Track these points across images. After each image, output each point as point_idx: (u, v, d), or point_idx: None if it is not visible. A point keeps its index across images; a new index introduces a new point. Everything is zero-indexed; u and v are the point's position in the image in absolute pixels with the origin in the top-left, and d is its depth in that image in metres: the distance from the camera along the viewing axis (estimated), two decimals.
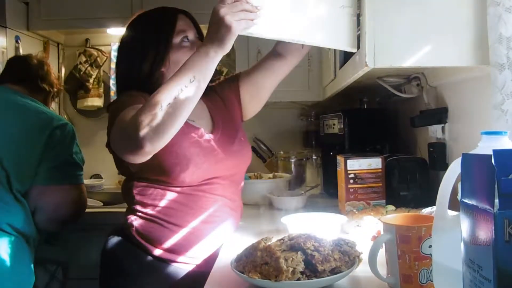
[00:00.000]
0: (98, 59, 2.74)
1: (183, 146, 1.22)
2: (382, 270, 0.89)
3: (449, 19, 1.13)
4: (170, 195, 1.25)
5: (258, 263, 0.91)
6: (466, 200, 0.63)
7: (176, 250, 1.25)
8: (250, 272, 0.90)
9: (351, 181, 1.54)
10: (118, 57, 1.38)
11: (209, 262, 1.20)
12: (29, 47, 2.46)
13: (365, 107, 2.17)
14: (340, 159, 1.59)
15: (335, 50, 1.71)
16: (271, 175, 2.15)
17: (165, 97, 0.99)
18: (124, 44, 1.36)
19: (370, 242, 1.14)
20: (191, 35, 1.30)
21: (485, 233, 0.57)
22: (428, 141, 1.62)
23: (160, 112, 0.97)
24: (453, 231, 0.69)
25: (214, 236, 1.29)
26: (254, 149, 2.56)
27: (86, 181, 2.64)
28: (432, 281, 0.80)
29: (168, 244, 1.25)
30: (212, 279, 1.01)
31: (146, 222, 1.26)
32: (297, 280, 0.87)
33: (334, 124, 2.00)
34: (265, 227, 1.49)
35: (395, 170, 1.59)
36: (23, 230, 1.53)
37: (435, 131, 1.58)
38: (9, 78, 1.74)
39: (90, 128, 2.83)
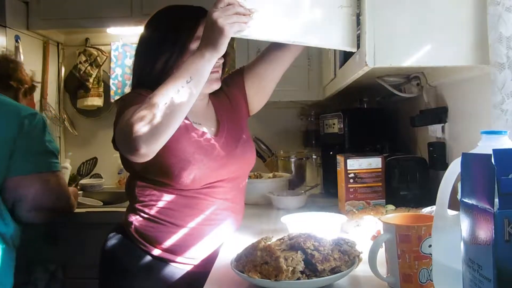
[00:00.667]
0: (98, 58, 2.74)
1: (187, 150, 1.21)
2: (382, 269, 0.89)
3: (449, 18, 1.13)
4: (171, 197, 1.25)
5: (258, 263, 0.91)
6: (466, 200, 0.63)
7: (175, 250, 1.25)
8: (250, 271, 0.90)
9: (351, 180, 1.55)
10: (135, 52, 1.36)
11: (208, 262, 1.19)
12: (29, 46, 2.46)
13: (365, 106, 2.17)
14: (340, 158, 1.59)
15: (335, 49, 1.71)
16: (271, 174, 2.15)
17: (162, 98, 1.00)
18: (143, 39, 1.34)
19: (370, 241, 1.14)
20: None
21: (485, 232, 0.57)
22: (428, 140, 1.62)
23: (157, 112, 0.98)
24: (453, 231, 0.69)
25: (213, 237, 1.28)
26: None
27: (86, 181, 2.65)
28: (432, 281, 0.80)
29: (167, 244, 1.25)
30: (212, 279, 1.01)
31: (146, 221, 1.27)
32: (297, 280, 0.87)
33: (334, 124, 2.00)
34: (265, 227, 1.50)
35: (395, 169, 1.59)
36: None
37: (435, 130, 1.58)
38: None
39: (90, 127, 2.83)
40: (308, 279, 0.88)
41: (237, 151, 1.34)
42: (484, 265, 0.58)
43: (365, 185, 1.55)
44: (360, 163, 1.55)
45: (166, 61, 1.24)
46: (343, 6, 1.19)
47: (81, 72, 2.74)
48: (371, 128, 1.94)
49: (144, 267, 1.24)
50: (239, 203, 1.40)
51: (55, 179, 1.60)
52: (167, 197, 1.25)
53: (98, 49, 2.76)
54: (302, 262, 0.89)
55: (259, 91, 1.47)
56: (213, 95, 1.39)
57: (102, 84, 2.78)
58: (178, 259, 1.25)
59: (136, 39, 2.72)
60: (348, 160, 1.54)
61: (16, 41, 2.33)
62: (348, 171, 1.54)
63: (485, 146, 0.64)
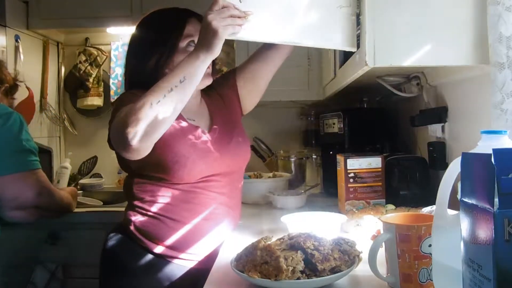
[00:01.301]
0: (98, 58, 2.74)
1: (181, 144, 1.24)
2: (382, 269, 0.89)
3: (449, 18, 1.13)
4: (169, 192, 1.27)
5: (258, 262, 0.91)
6: (466, 199, 0.63)
7: (176, 247, 1.26)
8: (250, 271, 0.90)
9: (351, 180, 1.55)
10: (126, 54, 1.40)
11: (209, 259, 1.21)
12: (29, 46, 2.46)
13: (365, 106, 2.17)
14: (340, 158, 1.59)
15: (334, 49, 1.71)
16: (271, 174, 2.15)
17: (155, 96, 1.02)
18: (133, 41, 1.37)
19: (370, 241, 1.14)
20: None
21: (485, 232, 0.57)
22: (428, 140, 1.62)
23: (149, 110, 1.00)
24: (453, 230, 0.69)
25: (213, 233, 1.30)
26: (254, 148, 2.56)
27: (86, 180, 2.65)
28: (432, 280, 0.80)
29: (168, 241, 1.26)
30: (212, 278, 1.01)
31: (146, 218, 1.28)
32: (297, 279, 0.87)
33: (334, 124, 2.00)
34: (265, 226, 1.50)
35: (395, 169, 1.59)
36: None
37: (435, 130, 1.58)
38: None
39: (90, 127, 2.83)
40: (308, 278, 0.88)
41: (230, 146, 1.36)
42: (484, 265, 0.58)
43: (365, 184, 1.55)
44: (360, 163, 1.55)
45: (158, 60, 1.28)
46: (342, 6, 1.19)
47: (81, 71, 2.74)
48: (371, 128, 1.94)
49: (146, 266, 1.25)
50: (236, 198, 1.41)
51: (35, 177, 1.58)
52: (164, 193, 1.27)
53: (98, 48, 2.76)
54: (302, 262, 0.89)
55: (252, 91, 1.50)
56: (205, 94, 1.43)
57: (102, 83, 2.78)
58: (181, 255, 1.26)
59: None
60: (348, 160, 1.54)
61: (16, 40, 2.33)
62: (348, 171, 1.54)
63: (485, 145, 0.64)
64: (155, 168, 1.24)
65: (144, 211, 1.28)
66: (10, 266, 2.00)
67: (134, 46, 1.36)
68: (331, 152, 1.96)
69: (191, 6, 2.25)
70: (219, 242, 1.30)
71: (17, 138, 1.56)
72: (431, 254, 0.80)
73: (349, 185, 1.54)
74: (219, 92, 1.48)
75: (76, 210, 1.92)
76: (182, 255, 1.26)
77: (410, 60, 1.14)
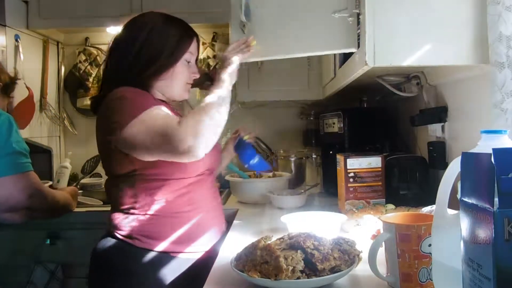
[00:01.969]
0: (98, 58, 2.74)
1: None
2: (382, 269, 0.89)
3: (449, 17, 1.13)
4: (168, 190, 1.28)
5: (258, 262, 0.91)
6: (465, 199, 0.63)
7: (180, 241, 1.28)
8: (250, 271, 0.90)
9: (351, 180, 1.55)
10: (123, 46, 1.37)
11: (213, 250, 1.30)
12: (29, 45, 2.46)
13: (365, 106, 2.17)
14: (339, 158, 1.59)
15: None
16: (270, 174, 2.15)
17: (211, 113, 1.18)
18: (139, 38, 1.34)
19: (369, 241, 1.14)
20: (193, 58, 1.43)
21: (485, 232, 0.57)
22: (428, 140, 1.62)
23: (210, 123, 1.15)
24: (453, 230, 0.69)
25: (213, 224, 1.35)
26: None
27: (86, 180, 2.65)
28: (431, 280, 0.80)
29: (171, 237, 1.27)
30: (212, 278, 1.01)
31: (146, 219, 1.28)
32: (296, 279, 0.87)
33: (333, 123, 2.00)
34: (264, 226, 1.50)
35: (394, 169, 1.59)
36: None
37: (434, 130, 1.58)
38: None
39: (90, 127, 2.82)
40: (308, 278, 0.88)
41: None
42: (484, 264, 0.58)
43: (365, 184, 1.55)
44: (360, 163, 1.55)
45: (160, 67, 1.32)
46: (337, 11, 1.21)
47: (81, 71, 2.74)
48: (371, 128, 1.94)
49: (148, 264, 1.25)
50: (218, 197, 1.47)
51: (26, 179, 1.55)
52: (164, 191, 1.28)
53: (98, 48, 2.76)
54: (302, 262, 0.89)
55: None
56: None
57: None
58: (187, 249, 1.28)
59: None
60: (348, 160, 1.54)
61: (16, 40, 2.32)
62: (348, 171, 1.54)
63: (485, 145, 0.64)
64: (163, 165, 1.24)
65: (143, 212, 1.28)
66: (9, 266, 2.00)
67: (141, 42, 1.33)
68: (331, 152, 1.95)
69: (191, 5, 2.25)
70: (220, 233, 1.36)
71: (7, 140, 1.54)
72: (431, 253, 0.80)
73: (349, 185, 1.54)
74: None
75: (76, 210, 1.92)
76: (188, 249, 1.28)
77: (410, 60, 1.14)
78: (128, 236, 1.27)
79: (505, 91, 1.03)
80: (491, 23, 1.06)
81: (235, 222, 1.60)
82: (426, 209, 1.19)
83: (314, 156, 2.31)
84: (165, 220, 1.27)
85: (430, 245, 0.82)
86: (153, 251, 1.26)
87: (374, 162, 1.55)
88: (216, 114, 1.19)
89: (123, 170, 1.28)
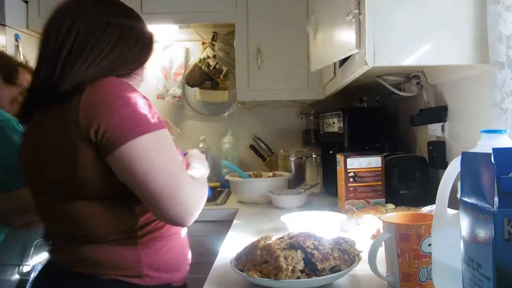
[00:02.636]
0: None
1: None
2: (382, 268, 0.89)
3: (449, 17, 1.13)
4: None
5: (257, 262, 0.91)
6: (465, 199, 0.63)
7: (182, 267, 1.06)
8: (250, 270, 0.90)
9: (351, 179, 1.55)
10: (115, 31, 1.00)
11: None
12: (29, 45, 2.45)
13: (365, 105, 2.17)
14: (339, 157, 1.59)
15: None
16: (270, 173, 2.15)
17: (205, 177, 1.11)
18: (130, 28, 1.04)
19: (369, 240, 1.14)
20: None
21: (485, 231, 0.57)
22: (428, 139, 1.62)
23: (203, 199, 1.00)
24: (453, 230, 0.69)
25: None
26: (253, 148, 2.57)
27: None
28: (431, 280, 0.80)
29: (185, 265, 1.06)
30: (212, 278, 1.01)
31: (157, 249, 0.99)
32: (296, 279, 0.87)
33: (333, 123, 2.00)
34: (264, 226, 1.50)
35: (394, 168, 1.59)
36: None
37: (434, 129, 1.58)
38: None
39: None
40: (308, 278, 0.88)
41: None
42: (484, 264, 0.58)
43: (365, 184, 1.55)
44: (360, 162, 1.55)
45: (143, 62, 1.08)
46: (350, 13, 1.20)
47: None
48: (371, 127, 1.94)
49: None
50: None
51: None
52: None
53: None
54: (302, 261, 0.89)
55: None
56: None
57: None
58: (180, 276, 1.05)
59: None
60: (348, 159, 1.54)
61: (16, 40, 2.32)
62: (348, 170, 1.54)
63: (485, 145, 0.64)
64: None
65: (154, 242, 0.98)
66: (8, 266, 2.00)
67: (130, 32, 1.03)
68: (331, 152, 1.96)
69: (191, 5, 2.25)
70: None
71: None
72: (430, 253, 0.80)
73: (349, 185, 1.54)
74: None
75: None
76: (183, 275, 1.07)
77: (410, 60, 1.14)
78: (137, 275, 0.95)
79: (505, 90, 1.03)
80: (491, 23, 1.06)
81: (235, 222, 1.60)
82: (426, 209, 1.19)
83: (314, 155, 2.32)
84: (167, 241, 1.00)
85: (430, 245, 0.82)
86: (172, 286, 1.02)
87: (374, 161, 1.55)
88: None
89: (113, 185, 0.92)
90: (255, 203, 1.93)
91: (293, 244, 0.94)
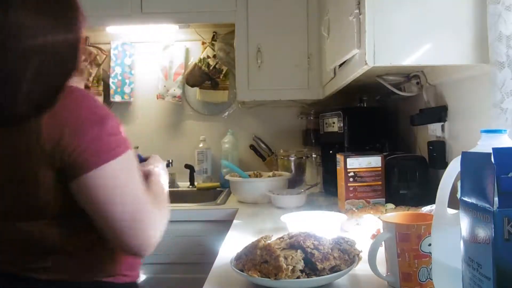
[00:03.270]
0: (98, 57, 2.74)
1: None
2: (382, 268, 0.89)
3: (449, 17, 1.13)
4: None
5: (257, 262, 0.91)
6: (465, 198, 0.63)
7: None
8: (250, 270, 0.90)
9: (351, 179, 1.55)
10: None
11: None
12: None
13: (365, 105, 2.17)
14: (339, 157, 1.59)
15: None
16: (270, 173, 2.15)
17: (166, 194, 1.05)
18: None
19: (369, 240, 1.14)
20: None
21: (485, 231, 0.57)
22: (428, 139, 1.62)
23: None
24: (453, 230, 0.69)
25: None
26: (253, 148, 2.57)
27: None
28: (431, 279, 0.80)
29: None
30: (212, 278, 1.01)
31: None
32: (296, 279, 0.87)
33: (333, 123, 2.00)
34: (264, 226, 1.50)
35: (394, 168, 1.59)
36: None
37: (434, 129, 1.58)
38: None
39: None
40: (307, 278, 0.88)
41: None
42: (484, 264, 0.58)
43: (364, 184, 1.55)
44: (359, 162, 1.55)
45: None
46: (352, 14, 1.20)
47: None
48: (371, 127, 1.94)
49: None
50: None
51: None
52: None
53: (97, 47, 2.76)
54: (302, 261, 0.89)
55: None
56: None
57: (102, 83, 2.77)
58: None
59: (136, 38, 2.71)
60: (347, 159, 1.54)
61: None
62: (348, 170, 1.54)
63: (485, 144, 0.65)
64: None
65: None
66: None
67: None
68: (331, 151, 1.95)
69: (191, 5, 2.25)
70: None
71: None
72: (430, 253, 0.80)
73: (349, 184, 1.54)
74: None
75: None
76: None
77: (410, 59, 1.14)
78: (112, 275, 0.96)
79: (505, 90, 1.03)
80: (491, 23, 1.06)
81: (235, 221, 1.60)
82: (426, 209, 1.19)
83: (314, 155, 2.31)
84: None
85: (430, 245, 0.82)
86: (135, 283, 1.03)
87: (374, 161, 1.55)
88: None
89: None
90: (255, 203, 1.93)
91: (293, 244, 0.94)
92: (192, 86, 2.60)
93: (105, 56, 2.75)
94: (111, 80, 2.76)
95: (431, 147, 1.57)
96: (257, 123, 2.63)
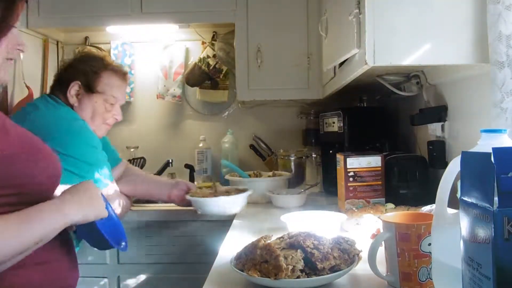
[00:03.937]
0: None
1: None
2: (382, 268, 0.89)
3: (448, 17, 1.13)
4: None
5: (257, 261, 0.91)
6: (465, 198, 0.63)
7: None
8: (250, 270, 0.90)
9: (351, 179, 1.55)
10: None
11: None
12: (28, 45, 2.45)
13: (365, 105, 2.17)
14: (339, 157, 1.59)
15: None
16: (270, 173, 2.15)
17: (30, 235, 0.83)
18: None
19: (369, 240, 1.14)
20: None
21: (485, 231, 0.57)
22: (428, 139, 1.62)
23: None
24: (453, 229, 0.69)
25: None
26: (253, 148, 2.57)
27: None
28: (431, 279, 0.80)
29: None
30: (212, 277, 1.01)
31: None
32: (296, 278, 0.87)
33: (333, 123, 2.00)
34: (264, 225, 1.50)
35: (394, 168, 1.59)
36: None
37: (434, 129, 1.58)
38: None
39: None
40: (307, 277, 0.88)
41: None
42: (484, 263, 0.58)
43: (364, 183, 1.55)
44: (359, 162, 1.55)
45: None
46: (351, 14, 1.20)
47: None
48: (371, 127, 1.94)
49: None
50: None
51: None
52: None
53: (97, 47, 2.75)
54: (302, 261, 0.89)
55: None
56: None
57: None
58: None
59: (136, 38, 2.71)
60: (347, 159, 1.54)
61: None
62: (348, 170, 1.54)
63: (485, 144, 0.65)
64: None
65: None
66: None
67: None
68: (330, 151, 1.95)
69: (191, 5, 2.25)
70: None
71: None
72: (430, 253, 0.80)
73: (349, 184, 1.54)
74: None
75: None
76: None
77: (410, 59, 1.14)
78: None
79: (504, 90, 1.03)
80: (491, 23, 1.06)
81: (235, 221, 1.60)
82: (425, 208, 1.19)
83: (314, 155, 2.31)
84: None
85: (429, 244, 0.82)
86: None
87: (374, 161, 1.55)
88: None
89: None
90: (255, 202, 1.93)
91: (293, 244, 0.94)
92: (192, 86, 2.60)
93: None
94: None
95: (431, 147, 1.57)
96: (257, 123, 2.63)
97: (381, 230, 0.92)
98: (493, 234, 0.55)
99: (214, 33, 2.57)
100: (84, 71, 1.54)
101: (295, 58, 2.23)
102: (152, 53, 2.64)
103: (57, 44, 2.77)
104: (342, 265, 0.91)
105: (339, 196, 1.63)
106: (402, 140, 1.99)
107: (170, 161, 2.52)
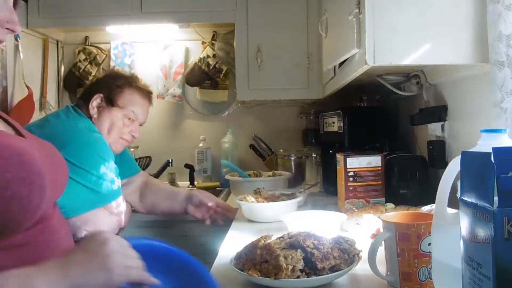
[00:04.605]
0: (98, 57, 2.74)
1: None
2: (382, 268, 0.89)
3: (448, 17, 1.13)
4: None
5: (257, 261, 0.91)
6: (465, 198, 0.63)
7: None
8: (250, 270, 0.90)
9: (351, 179, 1.55)
10: None
11: None
12: (28, 45, 2.45)
13: (365, 105, 2.17)
14: (339, 157, 1.59)
15: None
16: (270, 173, 2.15)
17: None
18: None
19: (369, 240, 1.14)
20: None
21: (485, 230, 0.57)
22: (428, 139, 1.62)
23: None
24: (453, 229, 0.69)
25: None
26: (253, 147, 2.57)
27: None
28: (431, 279, 0.80)
29: None
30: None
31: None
32: (296, 278, 0.87)
33: (333, 122, 2.00)
34: (264, 225, 1.50)
35: (394, 168, 1.59)
36: None
37: (434, 129, 1.58)
38: None
39: None
40: (307, 277, 0.88)
41: None
42: (484, 263, 0.58)
43: (364, 183, 1.55)
44: (359, 162, 1.55)
45: None
46: (351, 13, 1.20)
47: (81, 70, 2.73)
48: (371, 127, 1.94)
49: None
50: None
51: None
52: None
53: (97, 47, 2.76)
54: (302, 261, 0.89)
55: None
56: None
57: None
58: None
59: (136, 38, 2.71)
60: (347, 159, 1.54)
61: (16, 39, 2.32)
62: (348, 170, 1.54)
63: (485, 144, 0.65)
64: None
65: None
66: None
67: None
68: (330, 151, 1.95)
69: (191, 5, 2.25)
70: None
71: None
72: (430, 252, 0.80)
73: (349, 184, 1.54)
74: None
75: None
76: None
77: (410, 59, 1.14)
78: None
79: (504, 90, 1.03)
80: (491, 22, 1.06)
81: (235, 221, 1.60)
82: (425, 208, 1.19)
83: (314, 155, 2.31)
84: None
85: (429, 244, 0.82)
86: None
87: (374, 161, 1.55)
88: None
89: None
90: None
91: (293, 244, 0.94)
92: (192, 85, 2.60)
93: (105, 55, 2.75)
94: None
95: (431, 147, 1.57)
96: (257, 123, 2.63)
97: (381, 230, 0.92)
98: (493, 234, 0.55)
99: (214, 33, 2.57)
100: (109, 85, 1.57)
101: (295, 58, 2.23)
102: (152, 53, 2.64)
103: (57, 44, 2.77)
104: (342, 265, 0.91)
105: (339, 196, 1.63)
106: (402, 140, 1.99)
107: (170, 161, 2.52)
